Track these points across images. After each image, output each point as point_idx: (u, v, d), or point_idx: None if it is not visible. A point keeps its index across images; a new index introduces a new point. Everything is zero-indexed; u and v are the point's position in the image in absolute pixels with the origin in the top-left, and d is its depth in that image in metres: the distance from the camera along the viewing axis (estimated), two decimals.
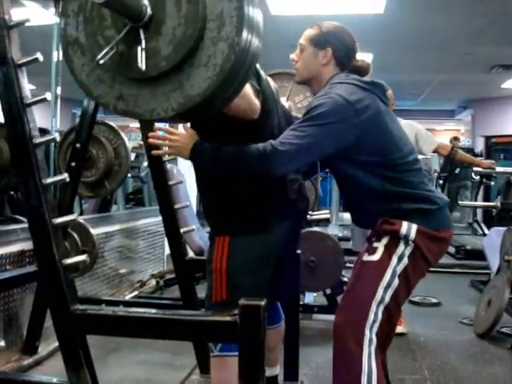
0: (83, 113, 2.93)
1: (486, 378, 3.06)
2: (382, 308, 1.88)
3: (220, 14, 1.43)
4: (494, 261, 4.57)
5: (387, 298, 1.89)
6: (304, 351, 2.97)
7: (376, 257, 1.94)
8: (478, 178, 8.39)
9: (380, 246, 1.95)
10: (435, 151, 3.97)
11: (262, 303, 1.55)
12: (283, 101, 3.18)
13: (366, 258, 1.97)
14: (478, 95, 11.07)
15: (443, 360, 3.35)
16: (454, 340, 3.79)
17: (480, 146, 11.51)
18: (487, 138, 11.51)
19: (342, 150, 1.93)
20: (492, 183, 8.88)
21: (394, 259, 1.92)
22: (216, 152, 1.88)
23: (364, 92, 1.98)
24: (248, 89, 1.84)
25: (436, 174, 9.62)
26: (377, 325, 1.86)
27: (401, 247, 1.93)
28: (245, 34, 1.44)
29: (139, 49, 1.44)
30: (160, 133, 2.02)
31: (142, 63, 1.44)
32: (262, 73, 2.14)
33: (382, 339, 1.91)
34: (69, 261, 1.70)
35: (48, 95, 1.78)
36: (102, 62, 1.46)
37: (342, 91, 1.94)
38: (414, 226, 1.92)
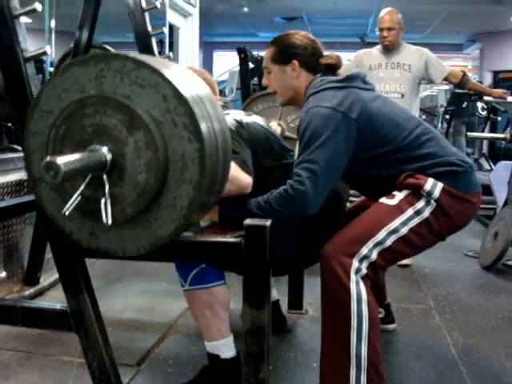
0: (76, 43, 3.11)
1: (491, 308, 3.03)
2: (378, 249, 1.78)
3: (182, 156, 1.36)
4: (500, 195, 4.52)
5: (388, 242, 1.79)
6: (308, 281, 2.93)
7: (392, 202, 1.85)
8: (484, 113, 8.24)
9: (399, 195, 1.86)
10: (445, 79, 3.81)
11: (267, 224, 1.49)
12: (274, 125, 3.04)
13: (383, 200, 1.89)
14: (487, 28, 10.84)
15: (448, 291, 3.33)
16: (459, 272, 3.76)
17: (487, 81, 11.32)
18: (495, 73, 11.32)
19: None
20: (499, 118, 8.74)
21: (410, 211, 1.82)
22: (244, 214, 1.76)
23: (342, 91, 1.90)
24: (233, 170, 1.76)
25: (442, 109, 9.45)
26: (368, 261, 1.77)
27: (421, 203, 1.83)
28: (209, 173, 1.39)
29: (103, 201, 1.38)
30: None
31: (107, 218, 1.38)
32: (245, 120, 2.05)
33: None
34: None
35: (37, 4, 1.67)
36: (67, 213, 1.38)
37: (321, 102, 1.88)
38: (440, 185, 1.82)
